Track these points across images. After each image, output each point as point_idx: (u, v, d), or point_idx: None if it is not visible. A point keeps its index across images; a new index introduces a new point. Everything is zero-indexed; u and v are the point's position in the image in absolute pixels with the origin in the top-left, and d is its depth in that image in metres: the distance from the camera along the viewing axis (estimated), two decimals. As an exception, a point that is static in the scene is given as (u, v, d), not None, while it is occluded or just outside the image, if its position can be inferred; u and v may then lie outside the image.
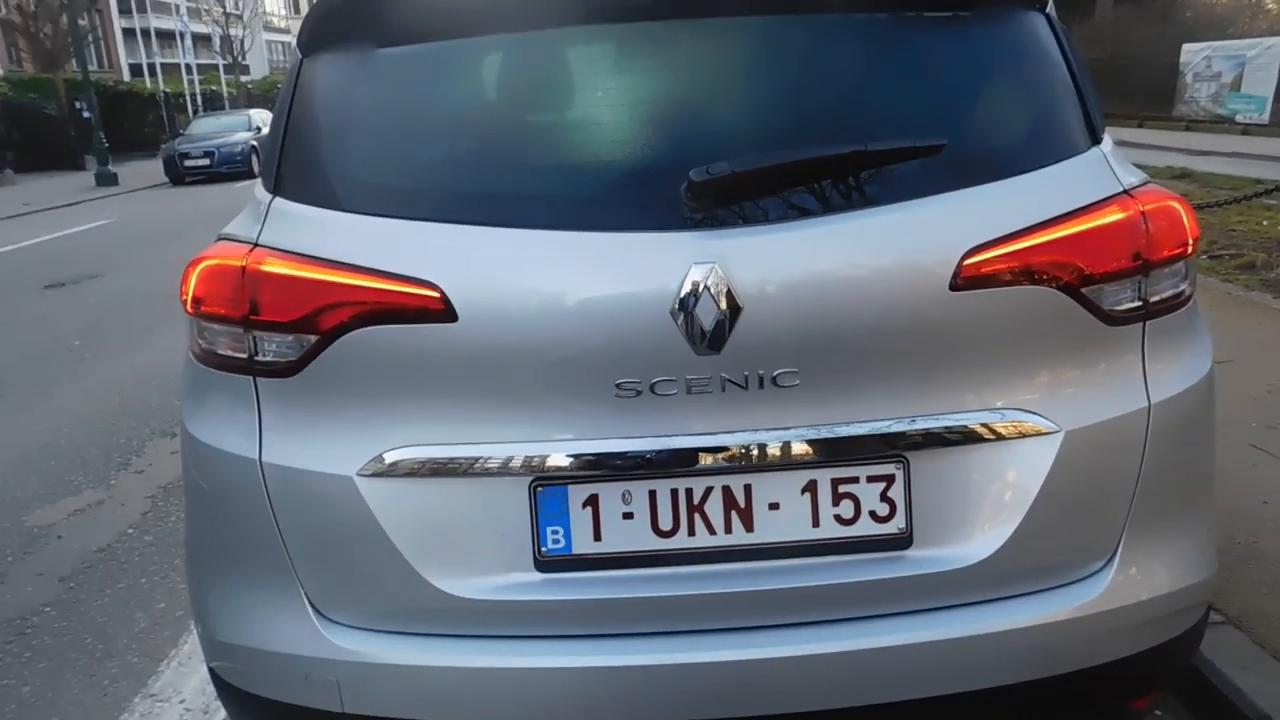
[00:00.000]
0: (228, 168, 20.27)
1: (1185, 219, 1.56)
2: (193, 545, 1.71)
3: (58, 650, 2.77)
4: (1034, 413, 1.49)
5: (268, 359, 1.48)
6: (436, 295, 1.40)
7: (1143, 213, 1.51)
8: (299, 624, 1.51)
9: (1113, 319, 1.51)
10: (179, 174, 20.44)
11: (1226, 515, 2.75)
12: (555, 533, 1.44)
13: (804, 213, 1.44)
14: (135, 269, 9.06)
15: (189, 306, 1.56)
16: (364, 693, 1.49)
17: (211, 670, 1.71)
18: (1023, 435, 1.48)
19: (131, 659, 2.70)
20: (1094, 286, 1.49)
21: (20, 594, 3.11)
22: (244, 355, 1.50)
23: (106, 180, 20.44)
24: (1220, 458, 1.73)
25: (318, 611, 1.51)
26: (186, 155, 20.36)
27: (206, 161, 20.30)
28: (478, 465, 1.43)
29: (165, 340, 6.07)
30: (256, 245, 1.51)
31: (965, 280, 1.43)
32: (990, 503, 1.49)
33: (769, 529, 1.45)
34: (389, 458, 1.44)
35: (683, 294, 1.37)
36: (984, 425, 1.47)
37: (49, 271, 9.19)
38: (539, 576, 1.45)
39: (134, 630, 2.85)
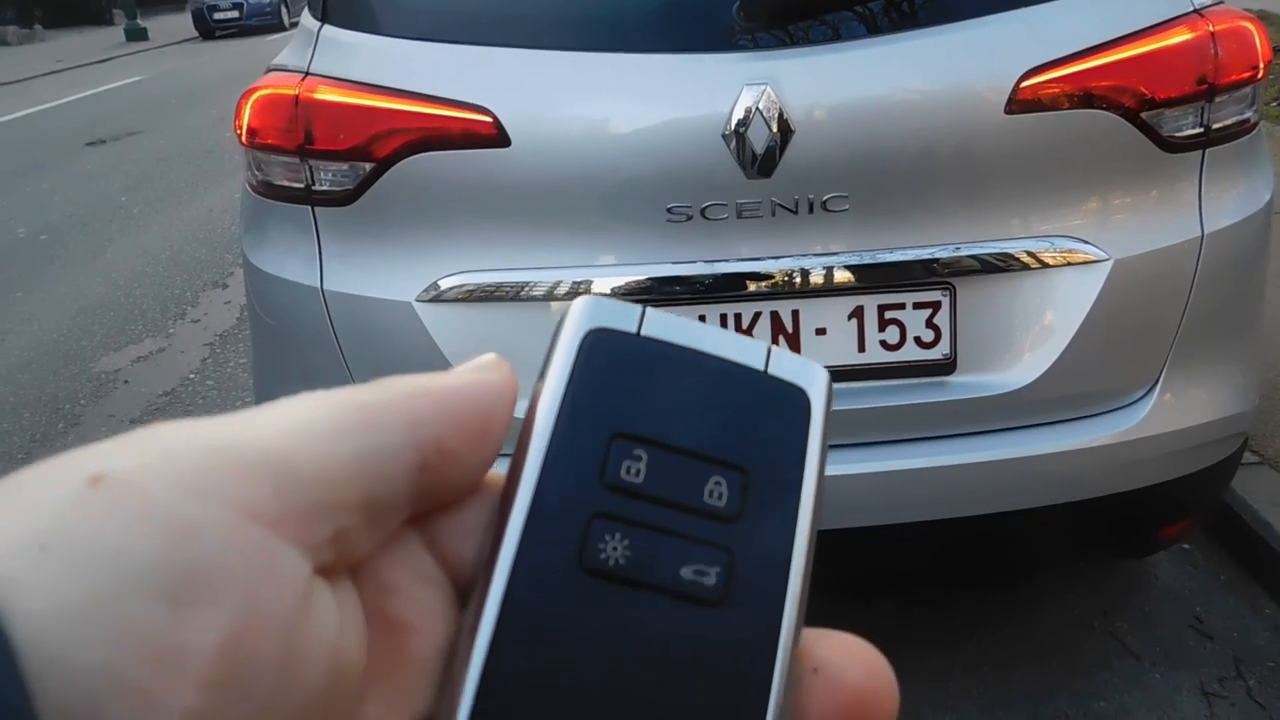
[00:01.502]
0: (257, 20, 19.83)
1: (1258, 41, 1.51)
2: (260, 371, 1.79)
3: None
4: (1083, 240, 1.48)
5: (324, 188, 1.51)
6: (489, 120, 1.40)
7: (1212, 33, 1.46)
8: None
9: (1171, 146, 1.48)
10: (208, 28, 20.05)
11: (1271, 359, 2.74)
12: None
13: (858, 33, 1.41)
14: (173, 125, 9.04)
15: (244, 138, 1.58)
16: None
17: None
18: (1070, 263, 1.48)
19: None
20: (1154, 111, 1.46)
21: (95, 434, 3.27)
22: (301, 185, 1.53)
23: (136, 35, 20.13)
24: (1268, 303, 1.72)
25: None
26: (215, 8, 19.91)
27: (235, 14, 19.86)
28: (531, 290, 1.47)
29: (209, 196, 6.12)
30: (308, 74, 1.52)
31: (1021, 103, 1.41)
32: (1035, 330, 1.51)
33: (816, 353, 1.48)
34: (444, 283, 1.48)
35: (735, 116, 1.36)
36: (1032, 253, 1.47)
37: (89, 129, 9.20)
38: (592, 398, 1.51)
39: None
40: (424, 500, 0.22)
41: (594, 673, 0.20)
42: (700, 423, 0.22)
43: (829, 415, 0.23)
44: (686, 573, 0.21)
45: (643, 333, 0.23)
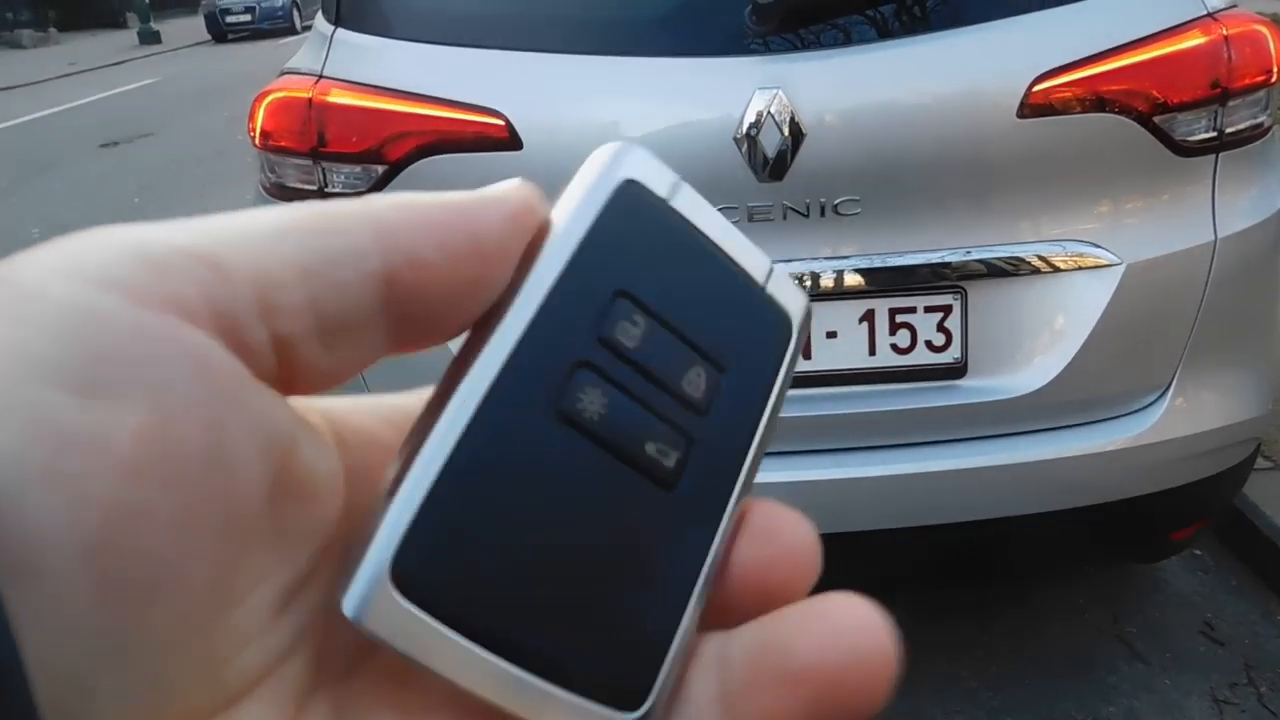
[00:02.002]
0: (269, 24, 19.95)
1: (1271, 44, 1.50)
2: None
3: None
4: (1095, 244, 1.48)
5: (337, 190, 1.52)
6: (501, 123, 1.41)
7: (1225, 37, 1.46)
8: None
9: (1184, 150, 1.48)
10: (221, 31, 20.18)
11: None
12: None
13: (869, 37, 1.41)
14: (186, 128, 9.09)
15: (257, 140, 1.59)
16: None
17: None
18: (1083, 267, 1.48)
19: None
20: (1167, 115, 1.46)
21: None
22: (314, 187, 1.54)
23: (149, 38, 20.26)
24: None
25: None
26: (228, 11, 20.05)
27: (248, 18, 19.98)
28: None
29: (221, 197, 6.15)
30: (321, 77, 1.52)
31: (1033, 107, 1.41)
32: (1046, 334, 1.51)
33: (826, 357, 1.49)
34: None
35: (746, 120, 1.37)
36: (1044, 257, 1.47)
37: (102, 131, 9.26)
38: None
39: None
40: (399, 324, 0.20)
41: (540, 512, 0.19)
42: (699, 312, 0.22)
43: (800, 346, 0.24)
44: (650, 448, 0.20)
45: (671, 203, 0.22)
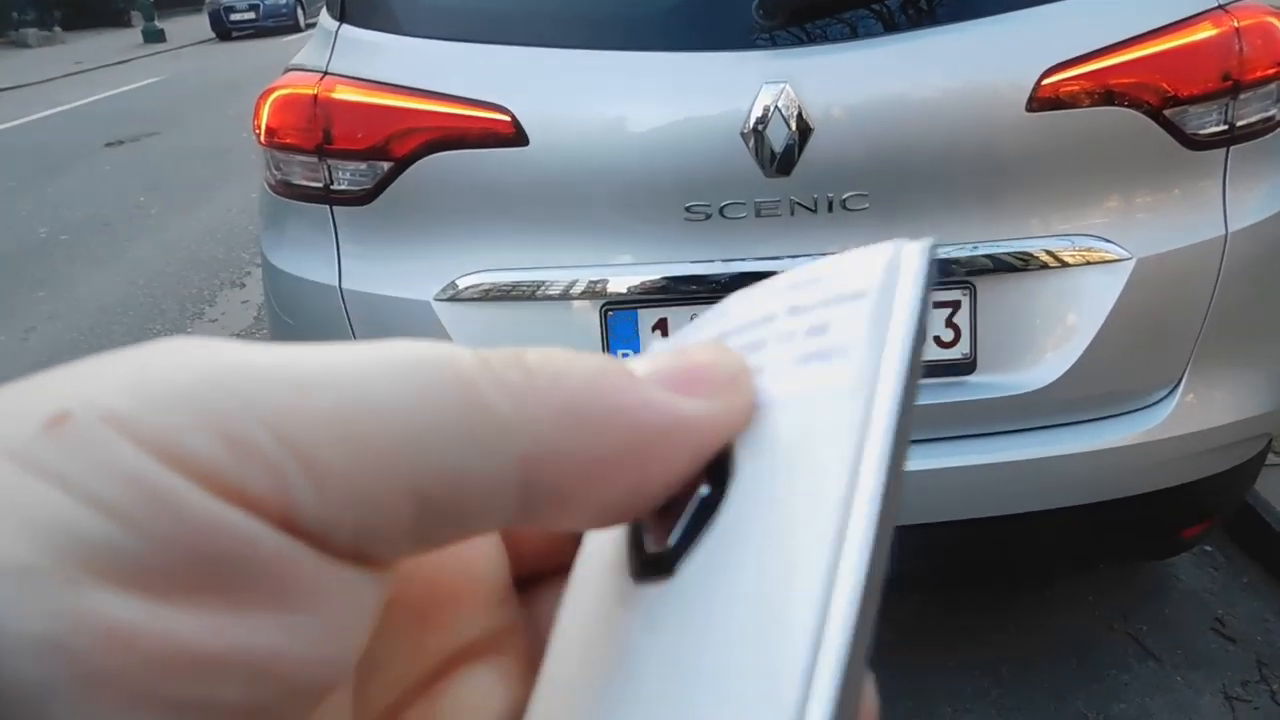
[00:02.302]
0: (273, 21, 19.95)
1: (1282, 36, 1.49)
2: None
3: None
4: (1105, 239, 1.47)
5: (343, 187, 1.52)
6: (507, 119, 1.40)
7: (1237, 29, 1.44)
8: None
9: (1195, 143, 1.47)
10: (225, 29, 20.18)
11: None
12: (625, 355, 1.48)
13: (877, 31, 1.40)
14: (191, 126, 9.10)
15: (262, 138, 1.59)
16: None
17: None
18: (1092, 262, 1.47)
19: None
20: (1178, 109, 1.44)
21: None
22: (319, 185, 1.54)
23: (154, 37, 20.27)
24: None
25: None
26: (232, 9, 20.03)
27: (252, 15, 19.98)
28: (548, 289, 1.47)
29: (226, 195, 6.16)
30: (327, 73, 1.52)
31: (1042, 101, 1.39)
32: (1056, 330, 1.49)
33: (834, 353, 1.47)
34: (463, 283, 1.48)
35: (754, 115, 1.36)
36: (1053, 252, 1.46)
37: (108, 129, 9.27)
38: (609, 397, 1.51)
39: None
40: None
41: None
42: None
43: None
44: None
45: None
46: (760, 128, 1.36)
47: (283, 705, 0.14)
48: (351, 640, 0.15)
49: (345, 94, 1.49)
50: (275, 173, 1.60)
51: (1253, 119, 1.49)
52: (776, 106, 1.36)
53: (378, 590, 0.16)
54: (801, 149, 1.37)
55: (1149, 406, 1.56)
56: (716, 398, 0.17)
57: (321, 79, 1.52)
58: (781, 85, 1.36)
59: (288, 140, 1.55)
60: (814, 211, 1.41)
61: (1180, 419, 1.54)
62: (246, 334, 4.00)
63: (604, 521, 0.17)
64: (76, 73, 15.49)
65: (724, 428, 0.17)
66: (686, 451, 0.17)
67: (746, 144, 1.37)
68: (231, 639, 0.14)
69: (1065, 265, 1.46)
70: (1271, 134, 1.53)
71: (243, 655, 0.14)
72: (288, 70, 1.61)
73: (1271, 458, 2.27)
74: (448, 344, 0.16)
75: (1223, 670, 1.91)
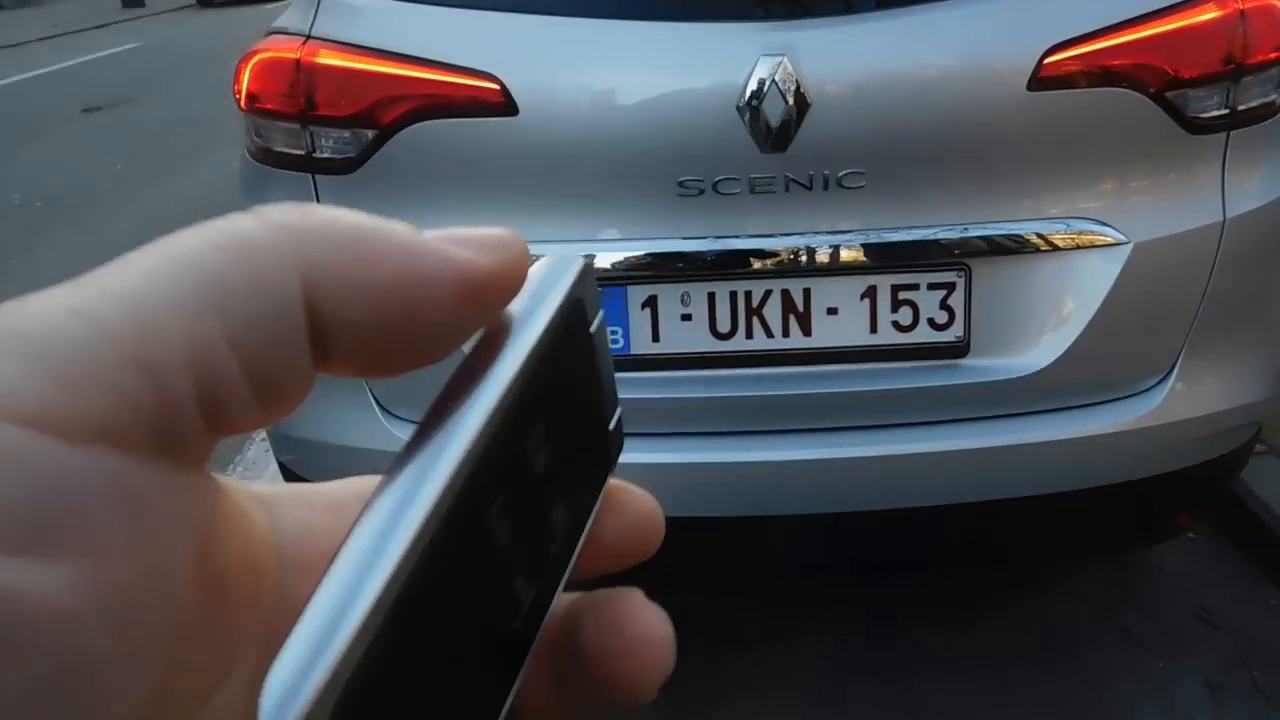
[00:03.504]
0: (256, -12, 19.65)
1: (1286, 19, 1.47)
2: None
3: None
4: (1102, 223, 1.45)
5: (326, 155, 1.47)
6: (496, 87, 1.36)
7: (1241, 11, 1.42)
8: (364, 419, 1.56)
9: (1196, 127, 1.45)
10: (207, -5, 19.84)
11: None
12: (614, 332, 1.46)
13: (878, 4, 1.37)
14: (170, 93, 8.94)
15: (243, 103, 1.54)
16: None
17: (281, 464, 1.80)
18: (1090, 246, 1.45)
19: (199, 462, 2.84)
20: (1179, 91, 1.42)
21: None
22: (301, 152, 1.49)
23: (133, 1, 19.91)
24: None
25: (382, 407, 1.56)
26: (214, -25, 19.69)
27: (234, -19, 19.65)
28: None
29: (207, 164, 6.05)
30: (309, 38, 1.47)
31: (1044, 80, 1.37)
32: (1051, 314, 1.48)
33: (827, 333, 1.45)
34: (449, 256, 1.44)
35: (749, 88, 1.32)
36: (1050, 235, 1.44)
37: (85, 95, 9.10)
38: (597, 375, 1.48)
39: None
40: (337, 371, 0.18)
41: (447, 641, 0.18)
42: (570, 441, 0.23)
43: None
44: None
45: (592, 331, 0.23)
46: (756, 102, 1.33)
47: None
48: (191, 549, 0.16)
49: (329, 59, 1.44)
50: (256, 139, 1.55)
51: (1254, 103, 1.47)
52: (774, 80, 1.32)
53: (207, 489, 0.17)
54: (799, 124, 1.34)
55: (1142, 393, 1.54)
56: (488, 254, 0.19)
57: (304, 43, 1.47)
58: (779, 58, 1.32)
59: (269, 106, 1.50)
60: (809, 189, 1.38)
61: (1172, 406, 1.53)
62: (226, 306, 3.94)
63: (393, 363, 0.19)
64: (53, 36, 15.19)
65: (493, 279, 0.19)
66: (458, 295, 0.19)
67: (742, 118, 1.34)
68: (87, 590, 0.14)
69: (1062, 249, 1.44)
70: (1272, 119, 1.51)
71: (97, 605, 0.14)
72: (269, 34, 1.56)
73: (1257, 446, 2.28)
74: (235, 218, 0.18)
75: (1205, 657, 1.91)
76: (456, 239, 0.19)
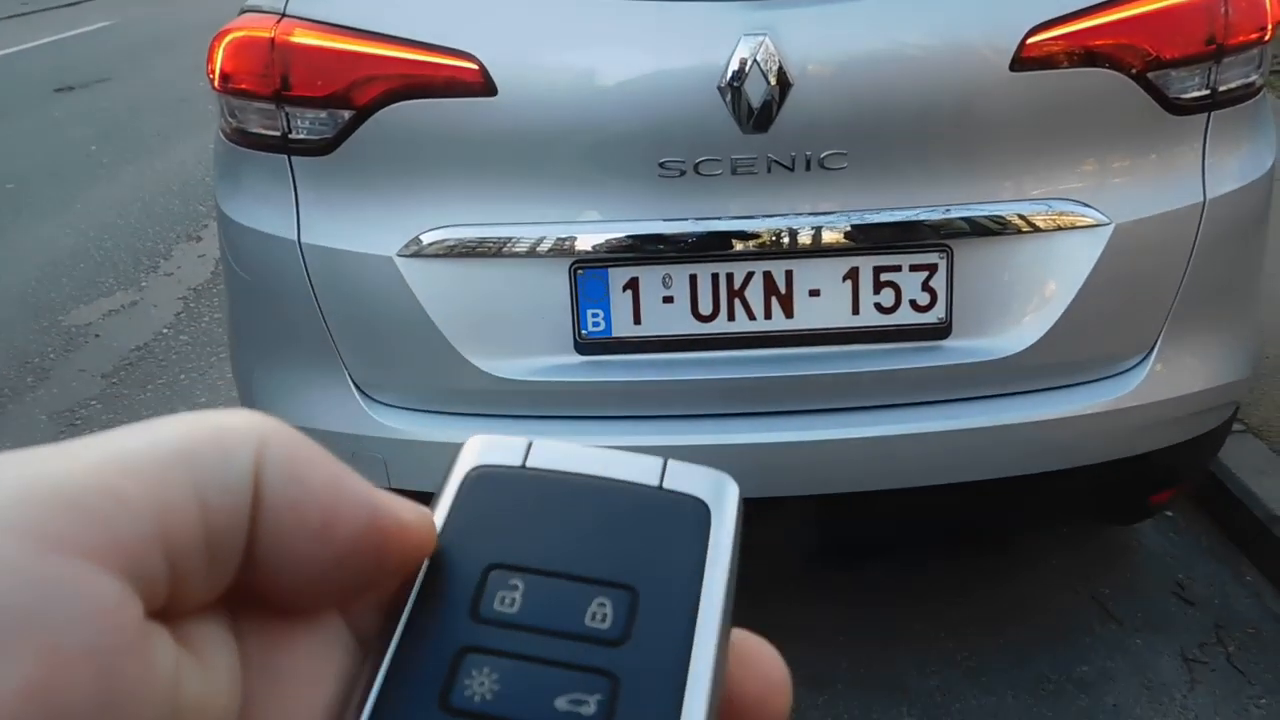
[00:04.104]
0: (231, -32, 19.39)
1: (1267, 1, 1.47)
2: (235, 327, 1.73)
3: (107, 439, 2.87)
4: (1084, 204, 1.45)
5: (302, 136, 1.45)
6: (475, 67, 1.34)
7: (1222, -9, 1.42)
8: (344, 404, 1.55)
9: (1177, 108, 1.45)
10: (181, -26, 19.55)
11: (1261, 331, 2.73)
12: (595, 315, 1.45)
13: (861, -17, 1.35)
14: (145, 73, 8.79)
15: (216, 83, 1.51)
16: (409, 469, 1.55)
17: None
18: (1071, 227, 1.45)
19: (178, 448, 2.81)
20: (1161, 71, 1.42)
21: (66, 388, 3.20)
22: (277, 133, 1.47)
23: (106, -20, 19.58)
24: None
25: (362, 392, 1.54)
26: (187, -46, 19.40)
27: (209, -39, 19.37)
28: (516, 245, 1.42)
29: (182, 145, 5.97)
30: (284, 16, 1.44)
31: (1027, 60, 1.36)
32: (1032, 295, 1.48)
33: (809, 315, 1.45)
34: (427, 238, 1.43)
35: (731, 68, 1.31)
36: (1033, 216, 1.44)
37: (57, 74, 8.93)
38: (579, 359, 1.47)
39: (178, 422, 2.95)
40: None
41: None
42: (583, 545, 0.22)
43: (738, 524, 0.22)
44: (561, 703, 0.19)
45: (528, 465, 0.23)
46: (738, 82, 1.31)
47: None
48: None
49: (304, 38, 1.41)
50: (230, 120, 1.53)
51: (1234, 84, 1.47)
52: (755, 59, 1.31)
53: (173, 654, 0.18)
54: (780, 105, 1.33)
55: (1122, 373, 1.55)
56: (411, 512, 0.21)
57: (279, 21, 1.44)
58: (761, 37, 1.31)
59: (243, 86, 1.47)
60: (791, 170, 1.37)
61: (1152, 386, 1.54)
62: (203, 289, 3.89)
63: (329, 592, 0.20)
64: (22, 14, 14.89)
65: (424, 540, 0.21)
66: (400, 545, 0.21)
67: (723, 98, 1.32)
68: (36, 694, 0.15)
69: (1044, 230, 1.44)
70: (1251, 100, 1.52)
71: (44, 710, 0.15)
72: (243, 11, 1.53)
73: (1236, 425, 2.30)
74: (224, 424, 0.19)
75: (1181, 632, 1.93)
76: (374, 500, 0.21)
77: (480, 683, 0.20)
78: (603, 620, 0.20)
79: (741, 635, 0.22)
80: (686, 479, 0.23)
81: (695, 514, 0.22)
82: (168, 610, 0.18)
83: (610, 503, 0.22)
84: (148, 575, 0.17)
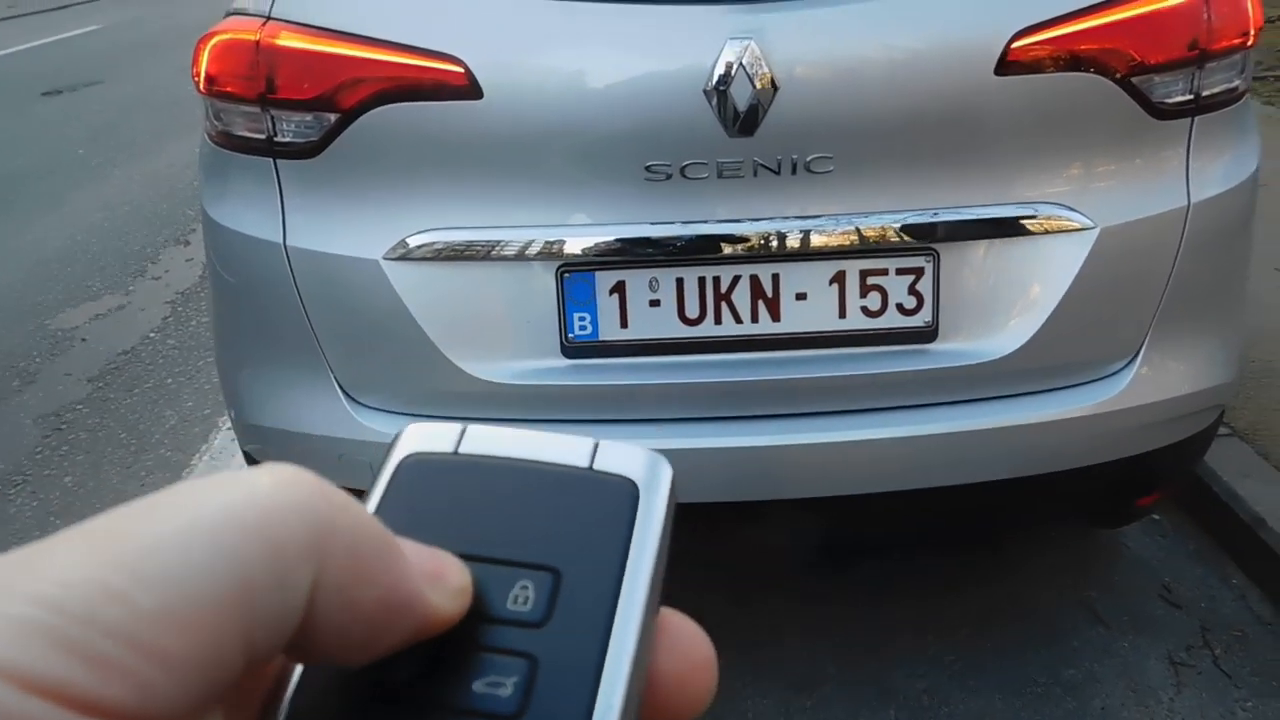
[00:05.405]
0: (222, -29, 19.33)
1: (1249, 5, 1.47)
2: (221, 331, 1.72)
3: (94, 445, 2.86)
4: (1070, 208, 1.45)
5: (287, 139, 1.44)
6: (460, 70, 1.34)
7: (1205, -3, 1.42)
8: (330, 408, 1.54)
9: (1161, 112, 1.45)
10: (171, -22, 19.48)
11: (1245, 335, 2.74)
12: (582, 319, 1.45)
13: (847, -13, 1.36)
14: (133, 76, 8.76)
15: (202, 86, 1.51)
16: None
17: (246, 453, 1.77)
18: (1057, 231, 1.45)
19: (165, 453, 2.80)
20: (1145, 76, 1.43)
21: (52, 393, 3.18)
22: (262, 136, 1.46)
23: (96, -17, 19.50)
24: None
25: (348, 396, 1.54)
26: (178, -43, 19.34)
27: (199, -36, 19.32)
28: (503, 249, 1.42)
29: (170, 149, 5.95)
30: (269, 18, 1.44)
31: (1012, 65, 1.37)
32: (1018, 299, 1.48)
33: (795, 319, 1.45)
34: (413, 241, 1.42)
35: (717, 72, 1.31)
36: (1019, 219, 1.44)
37: (45, 78, 8.89)
38: (565, 362, 1.47)
39: (165, 427, 2.94)
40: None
41: None
42: (509, 529, 0.21)
43: (670, 504, 0.22)
44: (479, 686, 0.20)
45: (461, 450, 0.23)
46: (723, 86, 1.31)
47: None
48: None
49: (289, 41, 1.41)
50: (216, 123, 1.52)
51: (1218, 89, 1.48)
52: (741, 63, 1.31)
53: None
54: (767, 109, 1.33)
55: (1108, 377, 1.55)
56: (449, 600, 0.21)
57: (264, 24, 1.44)
58: (746, 41, 1.31)
59: (228, 89, 1.47)
60: (777, 174, 1.37)
61: (1138, 389, 1.54)
62: (191, 293, 3.87)
63: (324, 655, 0.20)
64: (10, 17, 14.84)
65: (442, 625, 0.21)
66: (410, 634, 0.20)
67: (709, 102, 1.32)
68: None
69: (1030, 234, 1.45)
70: (1235, 105, 1.52)
71: None
72: (229, 14, 1.52)
73: (1222, 429, 2.31)
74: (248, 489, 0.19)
75: (1168, 635, 1.94)
76: (430, 572, 0.20)
77: (401, 668, 0.20)
78: (525, 603, 0.20)
79: (666, 613, 0.22)
80: (617, 460, 0.23)
81: (623, 494, 0.22)
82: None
83: (538, 486, 0.22)
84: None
